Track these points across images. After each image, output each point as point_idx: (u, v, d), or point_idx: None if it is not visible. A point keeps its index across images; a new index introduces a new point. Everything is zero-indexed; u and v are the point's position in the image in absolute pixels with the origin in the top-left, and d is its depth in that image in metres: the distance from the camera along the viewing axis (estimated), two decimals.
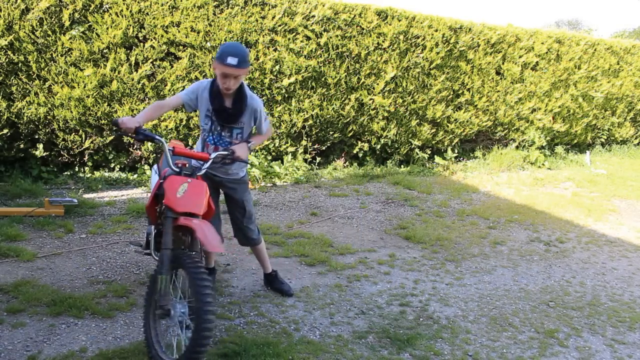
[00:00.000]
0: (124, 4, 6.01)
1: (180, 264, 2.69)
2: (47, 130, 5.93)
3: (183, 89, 6.36)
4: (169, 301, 2.67)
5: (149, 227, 3.34)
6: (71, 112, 5.91)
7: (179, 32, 6.33)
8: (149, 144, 6.35)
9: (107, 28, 5.97)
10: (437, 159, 8.67)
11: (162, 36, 6.25)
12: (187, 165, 2.92)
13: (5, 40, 5.50)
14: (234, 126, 3.25)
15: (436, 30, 8.23)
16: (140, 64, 6.20)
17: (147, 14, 6.17)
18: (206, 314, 2.48)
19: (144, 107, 6.26)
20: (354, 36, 7.55)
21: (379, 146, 8.16)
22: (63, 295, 3.45)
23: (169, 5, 6.26)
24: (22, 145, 5.87)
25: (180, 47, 6.42)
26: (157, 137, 2.89)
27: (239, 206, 3.53)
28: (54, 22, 5.74)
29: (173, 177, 2.81)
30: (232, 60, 2.93)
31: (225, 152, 3.06)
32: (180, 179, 2.82)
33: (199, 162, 3.04)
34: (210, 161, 3.01)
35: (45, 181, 5.99)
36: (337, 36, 7.40)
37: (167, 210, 2.75)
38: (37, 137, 5.91)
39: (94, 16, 5.89)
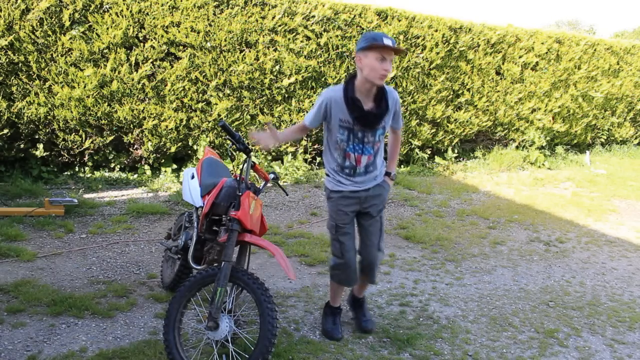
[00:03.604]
0: (124, 4, 6.02)
1: (242, 282, 2.76)
2: (47, 130, 5.94)
3: (183, 89, 6.46)
4: (220, 315, 2.70)
5: (186, 232, 3.39)
6: (71, 112, 5.91)
7: (179, 32, 6.33)
8: (149, 143, 6.36)
9: (107, 28, 5.97)
10: (437, 159, 8.67)
11: (162, 36, 6.26)
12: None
13: (6, 40, 5.51)
14: (377, 127, 2.97)
15: (436, 31, 8.23)
16: (141, 64, 6.20)
17: (147, 14, 6.17)
18: (272, 331, 2.63)
19: (143, 107, 6.27)
20: (354, 36, 7.55)
21: None
22: (63, 295, 3.46)
23: (169, 6, 6.26)
24: (22, 145, 5.87)
25: (181, 47, 6.42)
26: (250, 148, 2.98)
27: (375, 225, 3.17)
28: (54, 22, 5.74)
29: (249, 193, 2.89)
30: (388, 40, 2.74)
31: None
32: (251, 195, 2.92)
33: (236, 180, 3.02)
34: (266, 183, 3.11)
35: (46, 181, 6.00)
36: (337, 36, 7.40)
37: (236, 223, 2.79)
38: (37, 137, 5.92)
39: (94, 16, 5.90)
